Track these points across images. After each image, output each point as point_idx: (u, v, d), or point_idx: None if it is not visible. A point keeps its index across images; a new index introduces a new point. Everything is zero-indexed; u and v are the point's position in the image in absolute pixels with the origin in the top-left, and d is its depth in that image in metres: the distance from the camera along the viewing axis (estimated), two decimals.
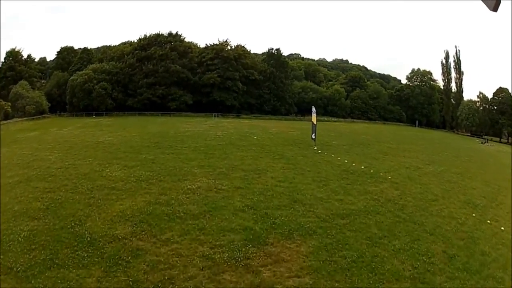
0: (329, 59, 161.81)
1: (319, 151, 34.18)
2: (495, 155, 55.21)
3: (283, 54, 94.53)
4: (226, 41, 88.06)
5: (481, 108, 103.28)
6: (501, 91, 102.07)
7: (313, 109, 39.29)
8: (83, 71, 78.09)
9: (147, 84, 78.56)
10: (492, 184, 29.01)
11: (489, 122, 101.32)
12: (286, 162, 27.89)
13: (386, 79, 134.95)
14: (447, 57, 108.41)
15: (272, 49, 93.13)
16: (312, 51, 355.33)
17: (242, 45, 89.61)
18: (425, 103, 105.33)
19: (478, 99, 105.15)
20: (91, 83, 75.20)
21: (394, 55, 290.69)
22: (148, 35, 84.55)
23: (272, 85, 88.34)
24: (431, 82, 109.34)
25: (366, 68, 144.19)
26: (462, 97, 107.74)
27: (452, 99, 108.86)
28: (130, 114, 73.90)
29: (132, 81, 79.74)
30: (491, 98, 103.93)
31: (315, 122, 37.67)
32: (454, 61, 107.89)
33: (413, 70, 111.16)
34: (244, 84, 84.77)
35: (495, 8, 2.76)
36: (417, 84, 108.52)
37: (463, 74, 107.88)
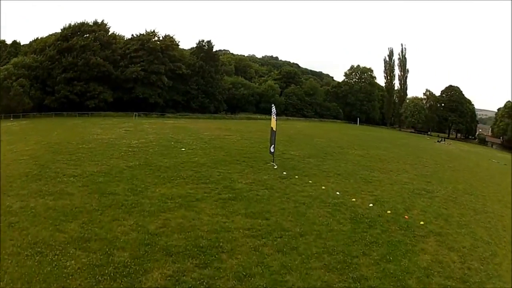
0: (259, 56, 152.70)
1: (284, 173, 22.59)
2: (469, 158, 50.49)
3: (214, 47, 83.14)
4: (153, 31, 76.12)
5: (427, 105, 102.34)
6: (450, 89, 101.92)
7: (273, 109, 26.33)
8: (4, 66, 64.45)
9: (65, 79, 65.35)
10: (508, 203, 22.75)
11: (436, 119, 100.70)
12: (247, 211, 14.98)
13: (318, 76, 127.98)
14: (391, 54, 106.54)
15: (203, 41, 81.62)
16: (241, 47, 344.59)
17: (171, 36, 77.71)
18: (365, 100, 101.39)
19: (425, 96, 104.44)
20: (10, 80, 61.30)
21: (325, 54, 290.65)
22: (72, 24, 70.31)
23: (200, 80, 77.94)
24: (371, 79, 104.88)
25: (298, 65, 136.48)
26: (406, 94, 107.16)
27: (394, 97, 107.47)
28: (47, 115, 61.15)
29: (51, 76, 65.82)
30: (438, 96, 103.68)
31: (275, 128, 25.30)
32: (399, 58, 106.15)
33: (352, 67, 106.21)
34: (170, 79, 73.92)
35: None
36: (356, 81, 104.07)
37: (408, 72, 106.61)
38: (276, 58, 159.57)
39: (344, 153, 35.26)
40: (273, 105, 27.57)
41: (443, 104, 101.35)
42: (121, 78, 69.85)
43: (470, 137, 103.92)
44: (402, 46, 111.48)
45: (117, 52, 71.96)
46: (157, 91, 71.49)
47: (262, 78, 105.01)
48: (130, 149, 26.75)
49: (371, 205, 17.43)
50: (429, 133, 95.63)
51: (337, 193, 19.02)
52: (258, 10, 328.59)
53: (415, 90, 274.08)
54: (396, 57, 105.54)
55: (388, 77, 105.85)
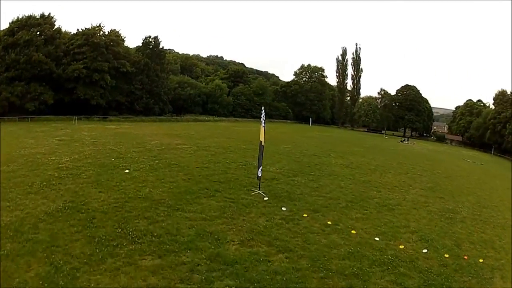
0: (204, 55, 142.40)
1: (283, 208, 15.47)
2: (446, 159, 47.63)
3: (160, 43, 72.87)
4: (99, 25, 65.12)
5: (382, 104, 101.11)
6: (407, 88, 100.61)
7: (262, 114, 17.96)
8: None
9: (7, 79, 55.24)
10: None
11: (392, 118, 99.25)
12: None
13: (264, 76, 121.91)
14: (344, 54, 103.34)
15: (149, 36, 71.36)
16: (185, 47, 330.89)
17: (117, 30, 67.18)
18: (315, 100, 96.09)
19: (379, 96, 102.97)
20: None
21: (270, 54, 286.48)
22: (21, 17, 59.39)
23: (145, 79, 68.05)
24: (322, 78, 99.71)
25: (244, 64, 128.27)
26: (359, 94, 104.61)
27: (347, 96, 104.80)
28: None
29: None
30: (394, 95, 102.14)
31: (263, 142, 17.88)
32: (353, 58, 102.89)
33: (302, 66, 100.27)
34: (114, 78, 63.56)
35: None
36: (306, 80, 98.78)
37: (362, 71, 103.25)
38: (221, 57, 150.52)
39: (326, 163, 29.27)
40: (262, 108, 19.52)
41: (398, 103, 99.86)
42: (63, 77, 59.69)
43: (425, 134, 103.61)
44: (356, 45, 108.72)
45: (61, 48, 61.48)
46: (99, 92, 61.63)
47: (209, 77, 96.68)
48: (56, 174, 17.95)
49: (425, 251, 12.98)
50: (383, 132, 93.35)
51: (376, 239, 13.28)
52: (201, 9, 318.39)
53: (369, 89, 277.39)
54: (350, 57, 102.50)
55: (341, 77, 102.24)
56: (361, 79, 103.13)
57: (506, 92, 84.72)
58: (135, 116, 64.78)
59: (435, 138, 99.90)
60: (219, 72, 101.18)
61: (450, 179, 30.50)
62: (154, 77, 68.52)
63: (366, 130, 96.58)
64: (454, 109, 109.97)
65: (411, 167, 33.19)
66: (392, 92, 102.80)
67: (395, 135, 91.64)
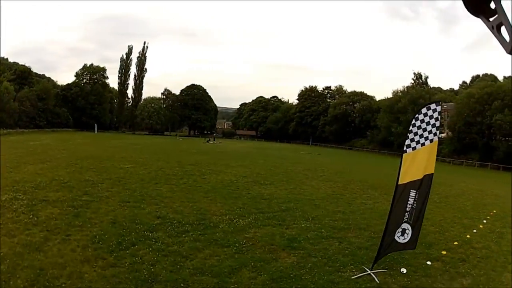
0: None
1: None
2: (296, 157, 44.68)
3: None
4: None
5: (164, 105, 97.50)
6: (193, 87, 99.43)
7: (434, 124, 8.03)
8: None
9: None
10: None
11: (178, 118, 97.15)
12: None
13: (41, 78, 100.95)
14: (129, 53, 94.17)
15: None
16: None
17: None
18: (96, 103, 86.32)
19: (163, 96, 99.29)
20: None
21: (47, 54, 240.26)
22: None
23: None
24: (103, 80, 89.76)
25: (26, 65, 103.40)
26: (141, 95, 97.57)
27: (129, 98, 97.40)
28: None
29: None
30: (179, 95, 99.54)
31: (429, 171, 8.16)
32: (138, 57, 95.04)
33: (84, 66, 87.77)
34: None
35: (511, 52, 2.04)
36: (87, 82, 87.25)
37: (146, 71, 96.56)
38: (7, 59, 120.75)
39: (233, 185, 18.90)
40: (432, 108, 8.04)
41: (184, 103, 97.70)
42: None
43: (207, 132, 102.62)
44: (144, 44, 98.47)
45: None
46: None
47: None
48: None
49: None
50: (166, 133, 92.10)
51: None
52: None
53: (155, 90, 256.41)
54: (135, 56, 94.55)
55: (123, 77, 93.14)
56: (144, 80, 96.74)
57: (315, 88, 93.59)
58: None
59: (221, 135, 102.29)
60: (6, 74, 78.19)
61: (347, 174, 28.53)
62: None
63: (147, 133, 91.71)
64: (239, 106, 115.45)
65: (301, 172, 27.20)
66: (177, 92, 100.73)
67: (181, 136, 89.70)
